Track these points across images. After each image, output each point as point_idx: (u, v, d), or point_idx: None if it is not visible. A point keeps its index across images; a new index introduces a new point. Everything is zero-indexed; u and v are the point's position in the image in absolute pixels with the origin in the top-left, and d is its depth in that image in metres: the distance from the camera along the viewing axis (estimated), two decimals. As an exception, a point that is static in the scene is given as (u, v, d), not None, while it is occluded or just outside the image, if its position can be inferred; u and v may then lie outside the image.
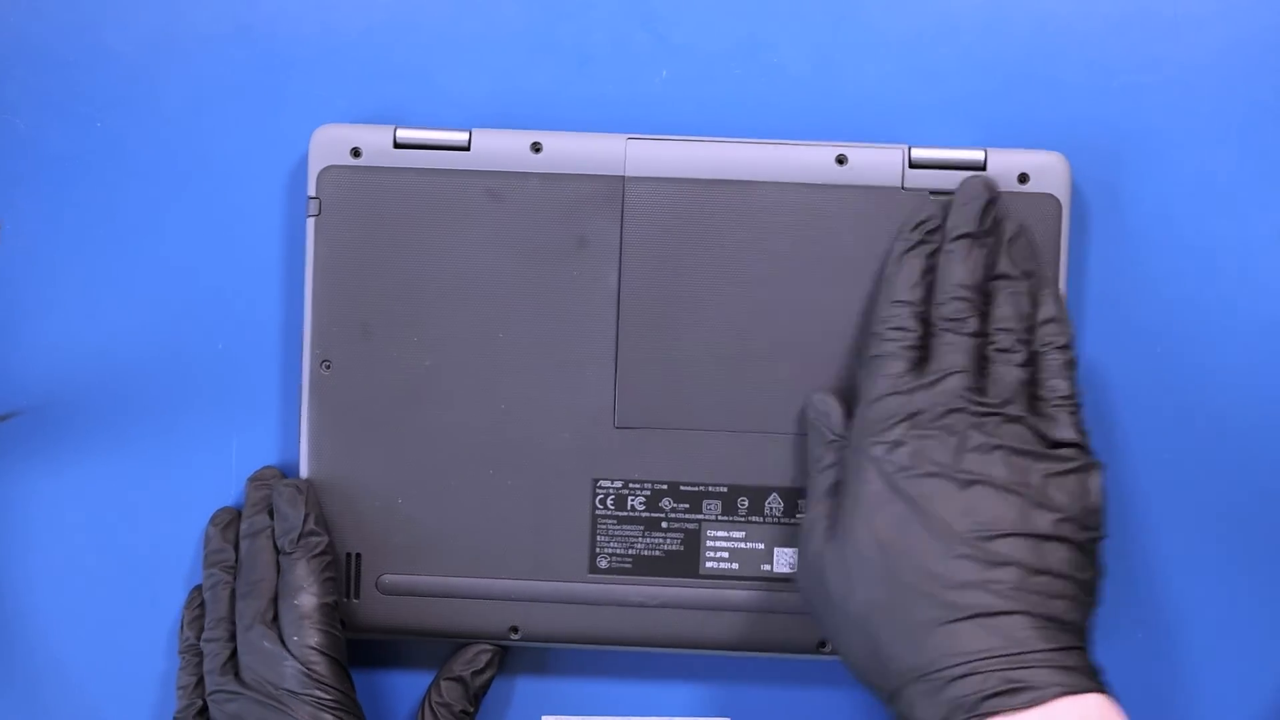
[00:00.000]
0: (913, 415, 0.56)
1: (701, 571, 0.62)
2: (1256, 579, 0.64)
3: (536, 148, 0.62)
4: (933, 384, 0.56)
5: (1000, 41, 0.63)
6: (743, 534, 0.62)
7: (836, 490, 0.57)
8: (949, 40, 0.63)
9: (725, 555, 0.62)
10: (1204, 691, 0.64)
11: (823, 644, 0.62)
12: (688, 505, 0.62)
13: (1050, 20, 0.63)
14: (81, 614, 0.65)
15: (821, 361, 0.61)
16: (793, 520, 0.62)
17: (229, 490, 0.64)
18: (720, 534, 0.62)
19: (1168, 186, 0.63)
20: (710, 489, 0.62)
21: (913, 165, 0.61)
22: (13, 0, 0.64)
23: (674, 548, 0.62)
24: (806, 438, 0.61)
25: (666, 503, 0.62)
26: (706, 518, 0.62)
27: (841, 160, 0.61)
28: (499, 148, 0.62)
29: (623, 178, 0.62)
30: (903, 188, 0.61)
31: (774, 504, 0.62)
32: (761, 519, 0.62)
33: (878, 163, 0.61)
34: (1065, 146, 0.62)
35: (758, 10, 0.64)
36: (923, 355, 0.58)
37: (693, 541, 0.62)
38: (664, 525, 0.62)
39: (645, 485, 0.62)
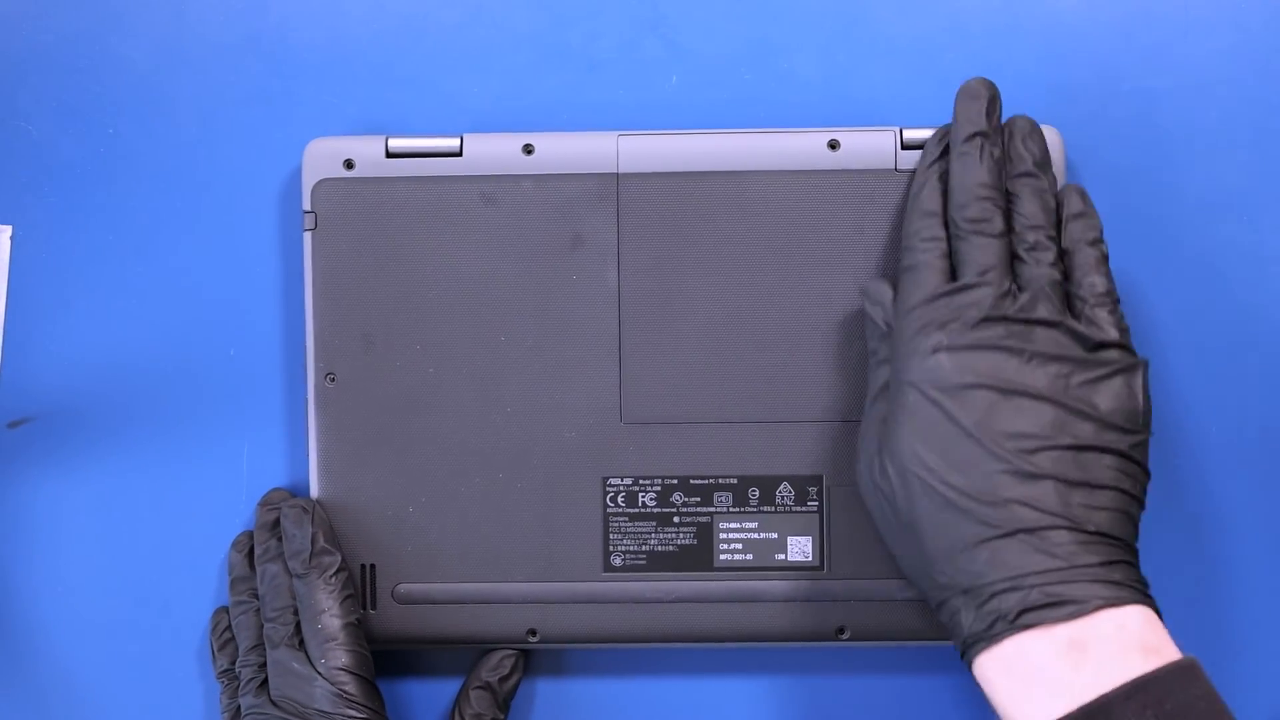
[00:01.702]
0: (947, 324, 0.55)
1: (716, 564, 0.62)
2: (1275, 594, 0.64)
3: (528, 149, 0.62)
4: (965, 289, 0.55)
5: (1010, 45, 0.63)
6: (755, 524, 0.62)
7: (888, 389, 0.57)
8: (959, 46, 0.64)
9: (739, 547, 0.62)
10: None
11: (841, 630, 0.62)
12: (699, 499, 0.62)
13: (1059, 25, 0.63)
14: (91, 621, 0.65)
15: (826, 346, 0.61)
16: (804, 508, 0.62)
17: (240, 500, 0.64)
18: (733, 525, 0.62)
19: (1176, 186, 0.63)
20: (720, 481, 0.62)
21: (905, 147, 0.61)
22: (25, 9, 0.64)
23: (687, 542, 0.62)
24: (864, 326, 0.60)
25: (677, 497, 0.62)
26: (718, 510, 0.62)
27: (834, 145, 0.61)
28: (491, 152, 0.62)
29: (616, 175, 0.62)
30: (896, 169, 0.61)
31: (785, 493, 0.62)
32: (773, 508, 0.62)
33: (870, 146, 0.61)
34: (1074, 148, 0.62)
35: (768, 14, 0.64)
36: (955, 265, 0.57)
37: (705, 535, 0.62)
38: (676, 520, 0.62)
39: (655, 481, 0.62)
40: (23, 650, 0.65)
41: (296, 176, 0.64)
